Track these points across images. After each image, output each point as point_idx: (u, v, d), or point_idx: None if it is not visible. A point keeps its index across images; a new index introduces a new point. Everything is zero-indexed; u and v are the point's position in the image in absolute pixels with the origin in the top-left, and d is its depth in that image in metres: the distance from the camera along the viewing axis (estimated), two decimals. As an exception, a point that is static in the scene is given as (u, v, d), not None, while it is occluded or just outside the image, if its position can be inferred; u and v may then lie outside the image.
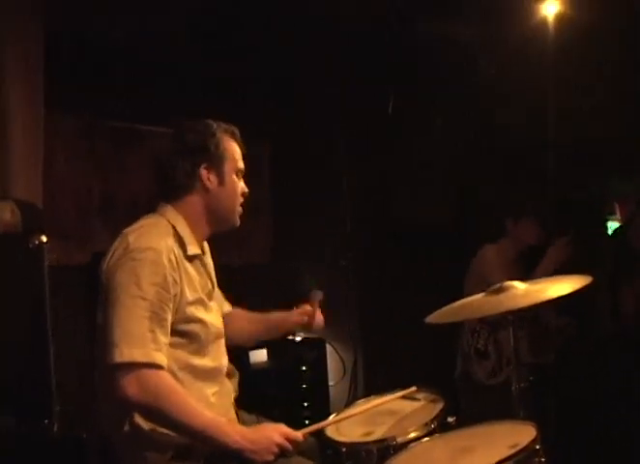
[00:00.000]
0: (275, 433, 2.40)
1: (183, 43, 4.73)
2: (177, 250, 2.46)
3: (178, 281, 2.41)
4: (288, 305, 5.17)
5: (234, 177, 2.65)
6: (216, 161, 2.59)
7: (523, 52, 4.89)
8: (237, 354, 4.49)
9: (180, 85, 4.83)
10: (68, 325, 3.78)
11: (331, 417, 2.81)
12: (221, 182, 2.61)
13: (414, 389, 2.91)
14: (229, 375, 2.72)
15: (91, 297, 2.50)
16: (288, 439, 2.41)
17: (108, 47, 4.53)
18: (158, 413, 2.26)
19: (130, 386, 2.22)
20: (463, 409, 4.40)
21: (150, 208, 2.62)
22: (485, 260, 4.66)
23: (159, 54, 4.73)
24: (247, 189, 2.71)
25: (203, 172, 2.57)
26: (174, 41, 4.69)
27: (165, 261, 2.37)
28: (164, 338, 2.32)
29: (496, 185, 5.73)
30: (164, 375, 2.29)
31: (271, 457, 2.35)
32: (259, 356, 4.79)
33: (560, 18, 4.61)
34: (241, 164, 2.68)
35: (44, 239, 3.35)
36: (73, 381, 3.87)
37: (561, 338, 4.81)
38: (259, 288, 5.18)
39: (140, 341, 2.25)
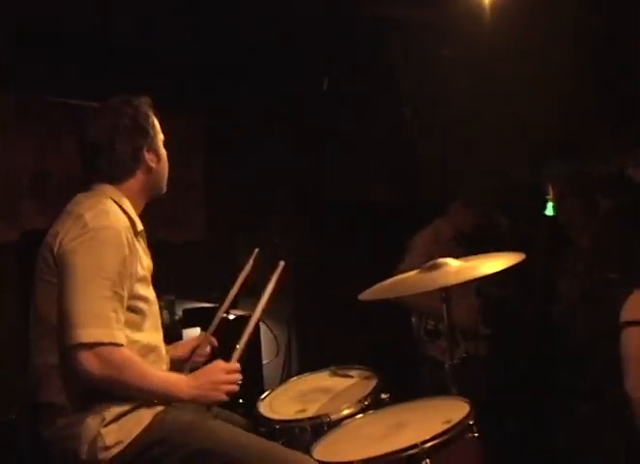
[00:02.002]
0: (215, 372, 2.46)
1: (121, 21, 4.64)
2: (130, 228, 2.44)
3: (132, 259, 2.40)
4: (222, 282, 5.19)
5: (163, 149, 2.66)
6: (153, 141, 2.59)
7: (461, 34, 4.91)
8: (171, 332, 4.52)
9: (115, 63, 4.73)
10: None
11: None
12: (159, 158, 2.62)
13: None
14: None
15: (21, 274, 2.45)
16: (228, 371, 2.47)
17: (43, 23, 4.41)
18: (121, 385, 2.27)
19: (94, 364, 2.21)
20: (426, 388, 4.40)
21: (83, 187, 2.57)
22: (414, 239, 4.70)
23: (94, 29, 4.62)
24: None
25: (145, 154, 2.56)
26: (112, 18, 4.60)
27: (124, 240, 2.36)
28: (123, 317, 2.33)
29: (432, 168, 5.79)
30: (124, 351, 2.28)
31: (222, 395, 2.42)
32: (193, 334, 4.74)
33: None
34: (162, 135, 2.68)
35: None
36: (3, 361, 3.81)
37: (501, 311, 4.89)
38: (194, 265, 5.15)
39: (105, 322, 2.24)
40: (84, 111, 4.68)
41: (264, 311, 2.84)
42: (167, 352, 2.67)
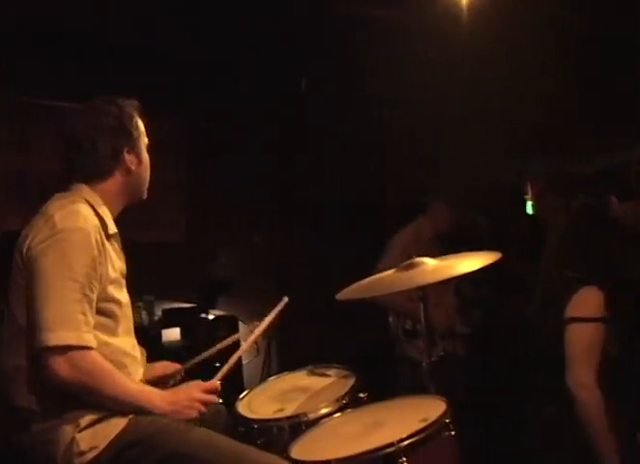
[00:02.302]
0: (192, 390, 2.46)
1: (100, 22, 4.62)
2: (100, 230, 2.42)
3: (102, 261, 2.37)
4: (204, 283, 5.20)
5: (145, 153, 2.64)
6: (135, 143, 2.57)
7: (438, 34, 4.93)
8: (150, 333, 4.51)
9: (95, 63, 4.71)
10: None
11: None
12: (140, 161, 2.60)
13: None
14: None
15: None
16: (207, 390, 2.47)
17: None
18: (90, 391, 2.25)
19: (63, 367, 2.19)
20: (405, 388, 4.41)
21: (62, 187, 2.56)
22: (393, 238, 4.71)
23: (71, 30, 4.60)
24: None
25: (126, 155, 2.54)
26: (88, 19, 4.58)
27: (93, 241, 2.33)
28: (92, 319, 2.30)
29: (409, 168, 5.81)
30: (94, 355, 2.27)
31: (194, 414, 2.40)
32: (172, 334, 4.75)
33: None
34: (146, 138, 2.67)
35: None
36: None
37: (479, 310, 4.91)
38: (173, 265, 5.14)
39: (73, 324, 2.22)
40: (61, 111, 4.70)
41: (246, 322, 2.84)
42: (143, 354, 2.67)
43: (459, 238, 4.75)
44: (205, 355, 3.00)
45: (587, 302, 2.99)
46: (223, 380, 2.60)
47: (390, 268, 4.02)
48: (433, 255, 4.38)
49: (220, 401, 3.00)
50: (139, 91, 2.69)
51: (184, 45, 4.99)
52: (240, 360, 2.79)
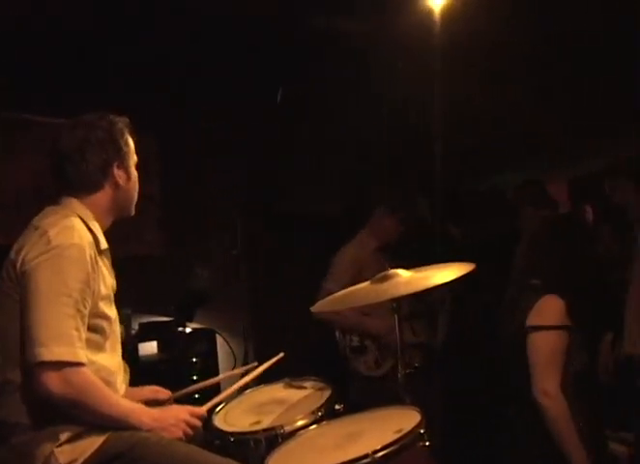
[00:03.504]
0: (181, 411, 2.51)
1: (73, 35, 4.62)
2: (93, 246, 2.44)
3: (95, 278, 2.40)
4: (181, 296, 5.19)
5: (134, 170, 2.67)
6: (125, 159, 2.60)
7: (411, 46, 4.96)
8: (126, 347, 4.49)
9: (68, 77, 4.71)
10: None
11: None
12: (129, 177, 2.62)
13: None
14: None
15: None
16: (194, 414, 2.51)
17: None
18: (81, 407, 2.26)
19: (56, 383, 2.20)
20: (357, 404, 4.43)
21: (40, 201, 2.57)
22: (337, 255, 4.71)
23: (45, 43, 4.60)
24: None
25: (115, 170, 2.56)
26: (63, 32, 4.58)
27: (88, 258, 2.35)
28: (84, 335, 2.32)
29: (386, 181, 5.84)
30: (86, 371, 2.28)
31: (179, 433, 2.43)
32: (149, 348, 4.74)
33: (446, 10, 4.69)
34: (135, 156, 2.69)
35: None
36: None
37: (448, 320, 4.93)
38: (150, 279, 5.13)
39: (68, 340, 2.24)
40: (43, 126, 4.69)
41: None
42: (126, 370, 2.68)
43: (405, 246, 4.76)
44: (198, 386, 3.08)
45: (548, 310, 3.03)
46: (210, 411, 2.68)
47: (338, 286, 4.14)
48: (380, 267, 4.47)
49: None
50: (111, 105, 2.71)
51: (159, 58, 4.99)
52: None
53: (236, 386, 2.89)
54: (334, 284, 4.40)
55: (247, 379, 2.92)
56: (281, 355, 3.04)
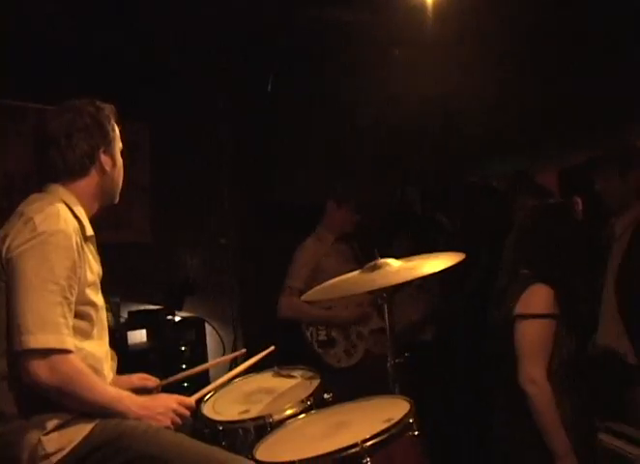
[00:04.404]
0: (169, 400, 2.50)
1: (63, 23, 4.59)
2: (79, 233, 2.42)
3: (81, 265, 2.38)
4: (170, 284, 5.18)
5: (120, 157, 2.66)
6: (111, 145, 2.59)
7: (401, 37, 4.96)
8: (115, 335, 4.49)
9: (59, 64, 4.68)
10: None
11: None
12: (114, 163, 2.61)
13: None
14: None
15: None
16: (182, 404, 2.51)
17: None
18: (67, 394, 2.25)
19: (42, 370, 2.20)
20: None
21: (29, 188, 2.55)
22: (296, 252, 4.72)
23: (35, 31, 4.57)
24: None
25: (102, 156, 2.55)
26: (52, 21, 4.54)
27: (74, 244, 2.33)
28: (71, 322, 2.31)
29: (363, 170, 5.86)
30: (74, 359, 2.27)
31: (168, 422, 2.43)
32: (138, 336, 4.73)
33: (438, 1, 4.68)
34: (121, 143, 2.68)
35: None
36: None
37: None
38: (139, 267, 5.12)
39: (55, 327, 2.22)
40: (26, 112, 4.67)
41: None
42: (113, 358, 2.67)
43: (364, 234, 4.79)
44: (186, 373, 3.05)
45: (536, 299, 3.04)
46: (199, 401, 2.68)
47: (300, 283, 4.15)
48: (341, 257, 4.47)
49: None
50: (104, 93, 2.69)
51: (146, 47, 4.96)
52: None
53: (225, 377, 2.88)
54: (293, 280, 4.54)
55: (236, 371, 2.92)
56: (272, 348, 3.03)
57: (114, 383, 2.60)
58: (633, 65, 4.73)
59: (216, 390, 2.87)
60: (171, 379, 2.96)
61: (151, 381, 2.86)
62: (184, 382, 3.06)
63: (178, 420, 2.47)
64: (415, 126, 5.61)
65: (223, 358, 3.47)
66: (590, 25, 4.66)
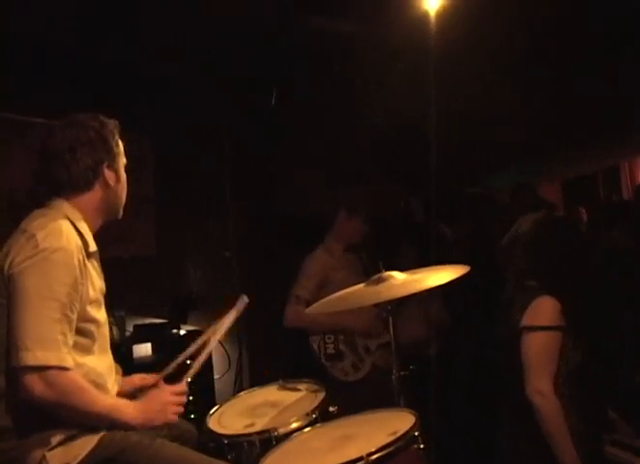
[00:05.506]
0: (162, 394, 2.51)
1: (65, 37, 4.60)
2: (82, 250, 2.42)
3: (83, 282, 2.37)
4: (175, 298, 5.18)
5: (124, 172, 2.66)
6: (115, 160, 2.59)
7: (404, 48, 4.96)
8: (121, 348, 4.49)
9: (63, 80, 4.69)
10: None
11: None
12: (118, 178, 2.61)
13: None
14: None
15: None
16: (175, 392, 2.52)
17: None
18: (65, 408, 2.25)
19: (38, 386, 2.19)
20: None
21: (32, 202, 2.56)
22: (305, 261, 4.69)
23: (38, 44, 4.58)
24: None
25: (105, 171, 2.55)
26: (55, 33, 4.56)
27: (76, 261, 2.33)
28: (71, 340, 2.31)
29: (373, 181, 5.85)
30: (71, 374, 2.27)
31: (170, 416, 2.46)
32: (143, 350, 4.72)
33: (441, 13, 4.68)
34: (125, 158, 2.69)
35: None
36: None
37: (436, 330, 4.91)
38: (144, 280, 5.12)
39: (53, 345, 2.22)
40: (30, 126, 4.68)
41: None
42: (118, 372, 2.67)
43: (372, 243, 4.78)
44: (179, 360, 3.01)
45: (542, 310, 3.04)
46: (192, 380, 2.65)
47: (308, 292, 4.11)
48: (351, 268, 4.45)
49: (192, 416, 3.02)
50: (106, 106, 2.70)
51: (151, 59, 4.98)
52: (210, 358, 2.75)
53: (210, 347, 2.84)
54: (302, 290, 4.49)
55: (219, 332, 2.90)
56: (245, 299, 2.96)
57: (119, 389, 2.61)
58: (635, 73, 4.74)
59: (203, 362, 2.75)
60: (169, 368, 2.94)
61: (150, 378, 2.85)
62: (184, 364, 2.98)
63: (178, 409, 2.48)
64: (418, 136, 5.61)
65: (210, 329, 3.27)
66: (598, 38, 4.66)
